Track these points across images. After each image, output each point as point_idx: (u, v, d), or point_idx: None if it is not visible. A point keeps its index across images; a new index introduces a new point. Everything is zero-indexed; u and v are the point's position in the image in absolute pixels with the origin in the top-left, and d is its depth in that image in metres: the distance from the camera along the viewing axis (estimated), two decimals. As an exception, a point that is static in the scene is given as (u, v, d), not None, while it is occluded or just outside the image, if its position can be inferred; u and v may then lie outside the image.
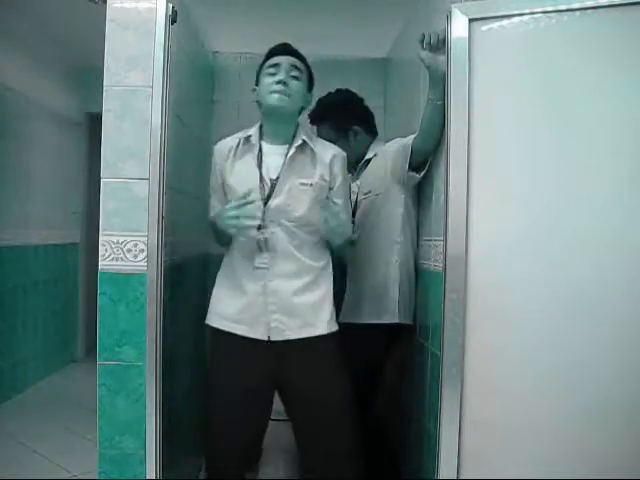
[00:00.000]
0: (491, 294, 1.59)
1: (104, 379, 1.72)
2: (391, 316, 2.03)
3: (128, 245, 1.72)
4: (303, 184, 1.70)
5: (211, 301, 1.80)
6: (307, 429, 1.71)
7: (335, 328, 1.75)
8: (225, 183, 1.77)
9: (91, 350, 4.59)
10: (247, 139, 1.76)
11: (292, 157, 1.71)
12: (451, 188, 1.61)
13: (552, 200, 1.55)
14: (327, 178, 1.74)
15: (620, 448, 1.50)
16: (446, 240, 1.61)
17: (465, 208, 1.59)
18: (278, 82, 1.67)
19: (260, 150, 1.74)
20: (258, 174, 1.70)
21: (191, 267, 2.48)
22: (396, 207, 2.07)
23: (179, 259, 2.15)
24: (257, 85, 1.78)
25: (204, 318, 2.80)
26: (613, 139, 1.51)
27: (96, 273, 1.73)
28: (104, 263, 1.73)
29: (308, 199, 1.70)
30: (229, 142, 1.80)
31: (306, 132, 1.78)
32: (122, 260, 1.72)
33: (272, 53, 1.75)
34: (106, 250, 1.72)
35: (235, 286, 1.73)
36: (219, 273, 1.81)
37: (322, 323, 1.71)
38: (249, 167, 1.73)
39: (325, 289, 1.74)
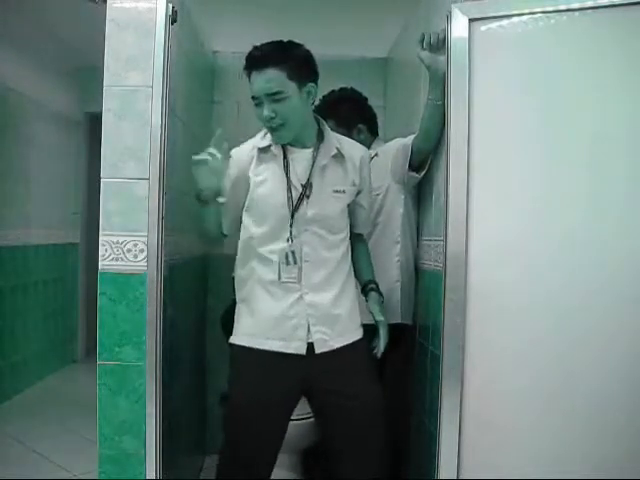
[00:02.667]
0: (491, 294, 1.59)
1: (104, 379, 1.72)
2: (393, 316, 2.03)
3: (128, 245, 1.72)
4: (337, 191, 1.65)
5: (236, 320, 1.72)
6: (349, 433, 1.66)
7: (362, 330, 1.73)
8: (249, 195, 1.67)
9: (91, 350, 4.60)
10: (267, 149, 1.66)
11: (324, 165, 1.64)
12: (451, 188, 1.61)
13: (552, 200, 1.55)
14: (357, 182, 1.70)
15: (620, 446, 1.51)
16: (446, 240, 1.61)
17: (465, 208, 1.59)
18: (265, 120, 1.58)
19: (285, 156, 1.65)
20: (286, 180, 1.63)
21: (191, 267, 2.48)
22: (396, 207, 2.07)
23: (179, 259, 2.15)
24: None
25: (204, 318, 2.82)
26: (612, 139, 1.51)
27: (96, 273, 1.73)
28: (104, 263, 1.72)
29: (341, 206, 1.67)
30: (248, 150, 1.69)
31: (332, 133, 1.71)
32: (122, 260, 1.72)
33: (246, 68, 1.61)
34: (106, 250, 1.72)
35: (264, 301, 1.64)
36: (238, 291, 1.72)
37: (358, 327, 1.70)
38: (276, 174, 1.65)
39: (354, 293, 1.72)
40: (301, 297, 1.62)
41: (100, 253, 1.73)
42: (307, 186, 1.63)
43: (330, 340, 1.63)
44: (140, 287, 1.71)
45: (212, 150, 1.51)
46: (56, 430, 3.18)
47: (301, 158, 1.66)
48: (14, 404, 3.62)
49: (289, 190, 1.63)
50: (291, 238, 1.61)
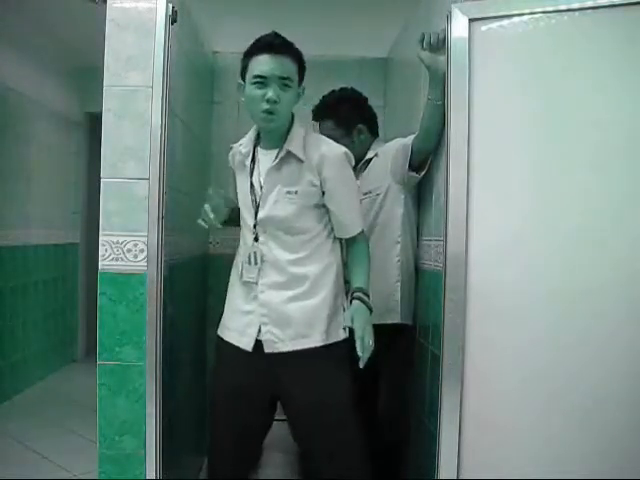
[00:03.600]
0: (491, 294, 1.59)
1: (104, 379, 1.72)
2: (393, 316, 2.03)
3: (128, 245, 1.72)
4: (289, 192, 1.62)
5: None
6: (306, 439, 1.69)
7: (336, 338, 1.65)
8: None
9: (91, 350, 4.59)
10: (241, 149, 1.73)
11: (276, 167, 1.64)
12: (451, 188, 1.61)
13: (552, 200, 1.55)
14: (317, 183, 1.63)
15: (620, 446, 1.50)
16: (446, 240, 1.61)
17: (465, 208, 1.59)
18: (267, 100, 1.56)
19: (253, 158, 1.70)
20: (249, 183, 1.68)
21: (191, 267, 2.48)
22: (396, 207, 2.06)
23: (179, 259, 2.15)
24: (243, 80, 1.64)
25: (204, 318, 2.82)
26: (612, 139, 1.51)
27: (96, 273, 1.73)
28: (104, 263, 1.73)
29: (295, 207, 1.63)
30: (234, 150, 1.79)
31: (299, 133, 1.66)
32: (122, 260, 1.72)
33: (257, 50, 1.59)
34: (106, 250, 1.72)
35: (233, 298, 1.73)
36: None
37: (318, 334, 1.62)
38: (245, 176, 1.71)
39: (323, 296, 1.64)
40: (256, 296, 1.66)
41: (100, 253, 1.73)
42: (262, 188, 1.67)
43: (278, 342, 1.63)
44: (140, 287, 1.71)
45: (207, 210, 1.66)
46: (56, 430, 3.18)
47: (266, 159, 1.68)
48: (14, 404, 3.62)
49: (252, 192, 1.67)
50: (256, 239, 1.66)
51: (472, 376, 1.60)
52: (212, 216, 1.66)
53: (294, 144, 1.64)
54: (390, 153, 2.07)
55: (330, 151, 1.66)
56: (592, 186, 1.52)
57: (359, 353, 1.52)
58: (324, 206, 1.68)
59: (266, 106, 1.57)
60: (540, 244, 1.56)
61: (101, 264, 1.73)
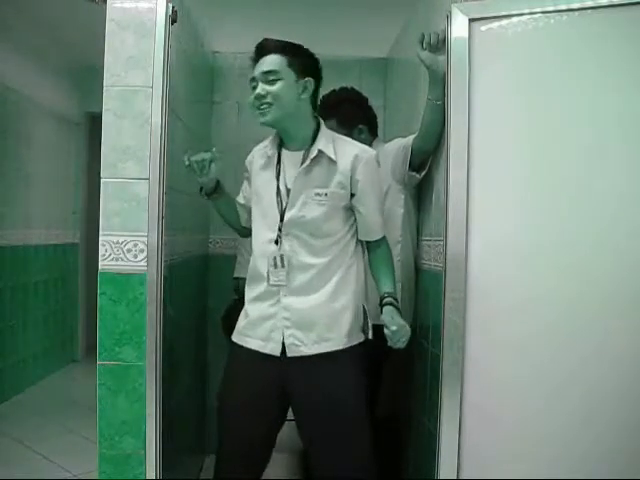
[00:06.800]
0: (491, 294, 1.59)
1: (104, 379, 1.72)
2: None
3: (128, 245, 1.72)
4: (318, 194, 1.61)
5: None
6: (319, 439, 1.67)
7: (357, 340, 1.67)
8: (252, 198, 1.75)
9: (91, 350, 4.59)
10: (265, 151, 1.72)
11: (306, 168, 1.63)
12: (451, 188, 1.61)
13: (551, 199, 1.55)
14: (346, 184, 1.63)
15: (619, 447, 1.50)
16: (446, 240, 1.61)
17: (465, 208, 1.59)
18: (256, 98, 1.61)
19: (279, 160, 1.68)
20: (276, 185, 1.66)
21: (191, 267, 2.48)
22: (396, 207, 2.06)
23: (179, 259, 2.15)
24: None
25: (204, 318, 2.82)
26: (612, 139, 1.51)
27: (96, 273, 1.73)
28: (104, 263, 1.72)
29: (324, 209, 1.62)
30: (254, 153, 1.78)
31: (327, 134, 1.68)
32: (122, 260, 1.72)
33: (251, 60, 1.66)
34: (106, 250, 1.72)
35: (252, 301, 1.69)
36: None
37: (340, 337, 1.63)
38: (269, 178, 1.68)
39: (345, 299, 1.65)
40: (279, 300, 1.63)
41: (100, 253, 1.73)
42: (289, 189, 1.64)
43: (302, 346, 1.62)
44: (140, 287, 1.71)
45: (194, 156, 1.64)
46: (56, 430, 3.18)
47: (293, 161, 1.66)
48: (14, 404, 3.62)
49: (278, 194, 1.65)
50: (280, 241, 1.63)
51: (472, 376, 1.60)
52: (200, 159, 1.64)
53: (324, 144, 1.64)
54: (390, 153, 2.07)
55: (363, 153, 1.67)
56: (592, 185, 1.52)
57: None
58: (350, 208, 1.68)
59: (257, 102, 1.61)
60: (540, 243, 1.56)
61: (101, 264, 1.73)
